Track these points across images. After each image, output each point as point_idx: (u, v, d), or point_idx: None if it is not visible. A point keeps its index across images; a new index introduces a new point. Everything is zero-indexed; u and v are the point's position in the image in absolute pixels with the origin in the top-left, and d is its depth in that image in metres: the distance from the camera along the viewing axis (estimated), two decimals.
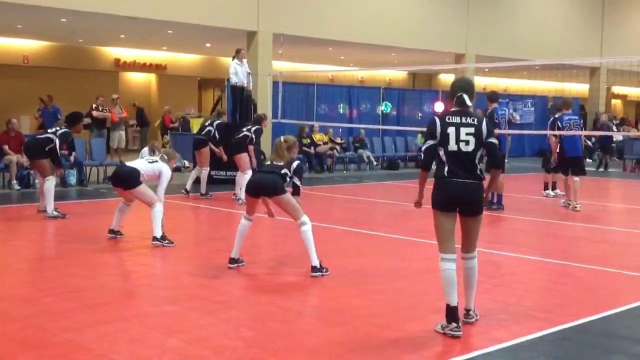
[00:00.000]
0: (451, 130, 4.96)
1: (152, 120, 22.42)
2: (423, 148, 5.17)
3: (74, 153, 13.54)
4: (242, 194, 11.10)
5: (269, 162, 6.93)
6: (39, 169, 10.38)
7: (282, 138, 7.06)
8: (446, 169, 4.99)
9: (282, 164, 6.77)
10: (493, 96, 12.14)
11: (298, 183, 6.83)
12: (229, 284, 6.45)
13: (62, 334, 4.84)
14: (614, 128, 25.31)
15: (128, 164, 8.36)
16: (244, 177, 11.11)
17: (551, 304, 5.93)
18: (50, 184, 9.87)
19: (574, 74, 29.83)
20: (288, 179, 6.75)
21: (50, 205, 9.81)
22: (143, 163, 8.33)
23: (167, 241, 7.99)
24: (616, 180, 18.24)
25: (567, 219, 10.81)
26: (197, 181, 12.77)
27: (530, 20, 24.87)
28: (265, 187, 6.65)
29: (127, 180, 8.02)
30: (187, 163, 16.99)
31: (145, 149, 17.21)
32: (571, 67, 27.04)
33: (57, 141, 9.84)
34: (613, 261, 7.71)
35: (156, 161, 8.38)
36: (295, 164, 6.81)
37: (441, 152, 5.01)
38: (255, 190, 6.75)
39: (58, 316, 5.26)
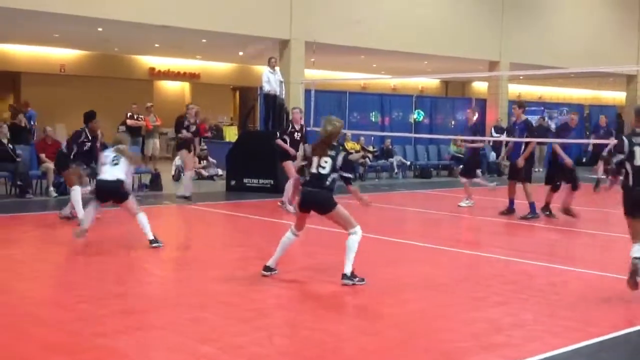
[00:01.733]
0: (637, 149, 6.18)
1: None
2: (615, 160, 6.41)
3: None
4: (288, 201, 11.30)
5: (314, 170, 6.65)
6: (64, 179, 10.50)
7: (328, 119, 6.81)
8: (631, 180, 6.23)
9: (327, 171, 6.58)
10: (523, 104, 12.11)
11: (348, 175, 6.82)
12: (262, 292, 6.45)
13: (95, 340, 4.89)
14: None
15: (106, 177, 8.30)
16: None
17: (587, 315, 5.82)
18: (75, 194, 9.64)
19: (610, 81, 29.37)
20: (337, 176, 6.65)
21: (79, 213, 9.36)
22: (117, 170, 8.30)
23: (156, 243, 8.15)
24: None
25: (601, 229, 10.61)
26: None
27: (565, 27, 24.55)
28: (316, 204, 6.65)
29: (114, 193, 8.26)
30: (220, 171, 17.12)
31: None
32: (607, 75, 26.61)
33: (64, 144, 9.93)
34: None
35: (117, 163, 8.37)
36: (339, 158, 6.64)
37: (627, 166, 6.25)
38: (307, 207, 6.74)
39: (92, 322, 5.31)
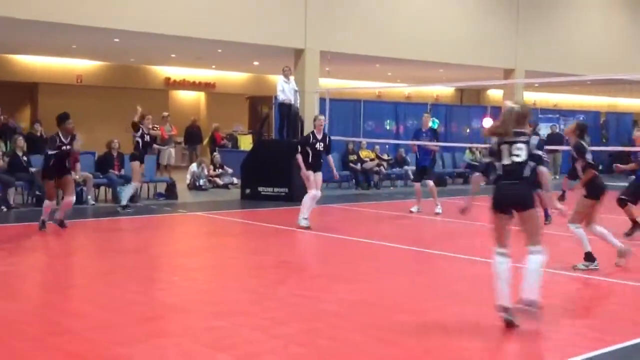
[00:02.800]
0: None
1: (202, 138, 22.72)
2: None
3: (122, 170, 13.89)
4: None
5: (506, 161, 5.65)
6: (61, 187, 10.37)
7: (510, 104, 5.85)
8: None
9: (523, 158, 5.61)
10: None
11: (541, 154, 5.77)
12: (278, 300, 6.44)
13: (113, 348, 4.91)
14: None
15: None
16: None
17: (604, 324, 5.76)
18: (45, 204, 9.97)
19: (628, 88, 29.13)
20: (534, 165, 5.68)
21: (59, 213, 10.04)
22: None
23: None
24: None
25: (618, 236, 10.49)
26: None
27: (582, 34, 24.43)
28: (517, 199, 5.63)
29: None
30: (235, 180, 17.17)
31: (194, 165, 17.51)
32: (624, 82, 26.40)
33: (47, 150, 9.85)
34: None
35: None
36: (533, 141, 5.69)
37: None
38: (506, 204, 5.65)
39: (110, 330, 5.34)
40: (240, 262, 8.58)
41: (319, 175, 10.97)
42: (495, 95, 30.25)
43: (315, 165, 10.84)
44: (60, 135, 9.87)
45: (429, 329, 5.55)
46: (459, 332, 5.52)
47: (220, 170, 17.74)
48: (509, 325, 5.44)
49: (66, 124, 9.89)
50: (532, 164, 5.65)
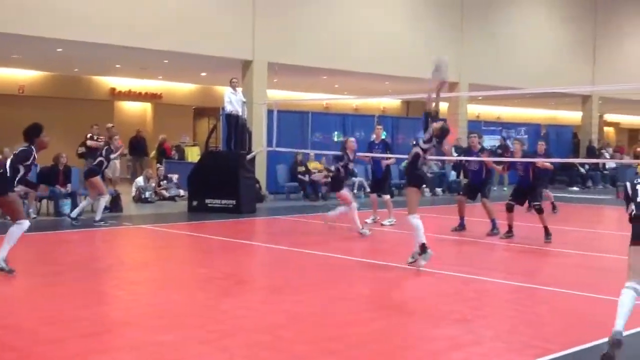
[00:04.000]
0: None
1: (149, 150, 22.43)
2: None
3: (69, 185, 13.62)
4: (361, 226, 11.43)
5: None
6: (3, 207, 8.41)
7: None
8: None
9: None
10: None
11: None
12: (224, 313, 6.43)
13: None
14: (607, 155, 25.53)
15: None
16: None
17: (546, 332, 5.94)
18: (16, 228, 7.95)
19: (567, 101, 30.10)
20: None
21: (3, 252, 7.92)
22: None
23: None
24: (608, 208, 18.26)
25: (558, 246, 10.83)
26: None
27: (523, 50, 25.13)
28: None
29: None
30: (182, 192, 17.02)
31: (140, 178, 17.29)
32: (563, 95, 27.28)
33: (8, 164, 7.88)
34: (607, 288, 7.74)
35: None
36: None
37: None
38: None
39: (53, 346, 5.24)
40: (186, 275, 8.52)
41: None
42: (440, 107, 30.76)
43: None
44: (35, 151, 8.10)
45: (373, 340, 5.62)
46: (402, 341, 5.61)
47: (165, 181, 17.56)
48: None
49: (42, 137, 8.06)
50: None
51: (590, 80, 27.26)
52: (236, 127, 15.54)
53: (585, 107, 28.97)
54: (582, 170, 24.60)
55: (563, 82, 23.76)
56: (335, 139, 21.15)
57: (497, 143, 23.67)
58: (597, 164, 24.46)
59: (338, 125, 21.31)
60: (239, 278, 8.28)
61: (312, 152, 18.77)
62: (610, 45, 28.34)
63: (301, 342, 5.51)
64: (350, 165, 11.80)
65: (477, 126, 25.33)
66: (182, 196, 16.87)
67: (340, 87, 26.33)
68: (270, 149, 16.21)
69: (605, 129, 38.86)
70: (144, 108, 26.52)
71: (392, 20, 21.25)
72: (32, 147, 7.94)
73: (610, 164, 24.87)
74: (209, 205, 14.61)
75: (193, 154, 20.45)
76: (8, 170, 7.81)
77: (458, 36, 23.13)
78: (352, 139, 12.34)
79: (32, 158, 7.96)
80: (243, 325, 6.07)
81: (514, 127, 27.00)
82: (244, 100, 16.09)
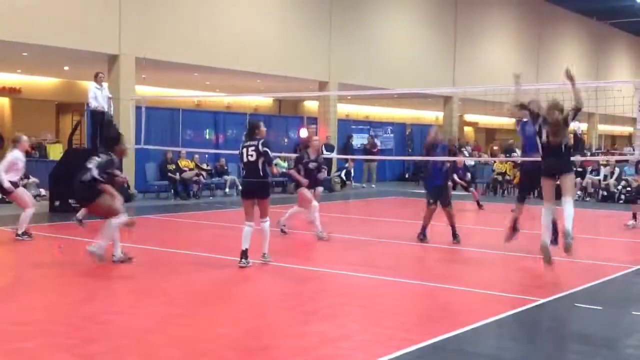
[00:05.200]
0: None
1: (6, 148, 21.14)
2: None
3: None
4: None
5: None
6: None
7: None
8: None
9: None
10: None
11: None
12: (86, 318, 6.19)
13: None
14: (466, 153, 26.91)
15: None
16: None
17: (409, 324, 6.19)
18: None
19: (430, 102, 31.48)
20: None
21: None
22: None
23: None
24: (468, 203, 19.25)
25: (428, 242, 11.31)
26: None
27: (389, 52, 25.98)
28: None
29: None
30: (43, 192, 16.21)
31: None
32: (427, 96, 28.50)
33: (93, 173, 8.55)
34: (467, 280, 8.19)
35: None
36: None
37: None
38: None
39: None
40: (46, 279, 8.11)
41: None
42: (311, 106, 31.22)
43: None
44: None
45: (246, 338, 5.62)
46: (273, 339, 5.65)
47: (25, 180, 16.61)
48: None
49: None
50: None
51: (450, 82, 28.65)
52: (101, 124, 15.00)
53: (447, 108, 30.41)
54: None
55: (426, 83, 24.86)
56: (207, 137, 20.93)
57: (365, 141, 24.85)
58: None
59: (210, 122, 21.11)
60: (102, 281, 8.00)
61: (183, 150, 18.46)
62: (468, 50, 29.93)
63: (171, 345, 5.41)
64: (312, 165, 11.44)
65: (346, 125, 25.98)
66: (44, 196, 16.07)
67: (211, 84, 26.05)
68: (138, 146, 15.77)
69: (465, 128, 41.00)
70: (1, 103, 24.94)
71: (260, 20, 21.25)
72: (113, 154, 8.83)
73: (469, 161, 26.20)
74: (73, 205, 13.96)
75: (56, 152, 19.54)
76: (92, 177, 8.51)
77: (327, 36, 23.55)
78: (317, 137, 12.45)
79: (114, 166, 8.92)
80: (106, 330, 5.88)
81: (381, 126, 27.93)
82: (110, 96, 15.56)
